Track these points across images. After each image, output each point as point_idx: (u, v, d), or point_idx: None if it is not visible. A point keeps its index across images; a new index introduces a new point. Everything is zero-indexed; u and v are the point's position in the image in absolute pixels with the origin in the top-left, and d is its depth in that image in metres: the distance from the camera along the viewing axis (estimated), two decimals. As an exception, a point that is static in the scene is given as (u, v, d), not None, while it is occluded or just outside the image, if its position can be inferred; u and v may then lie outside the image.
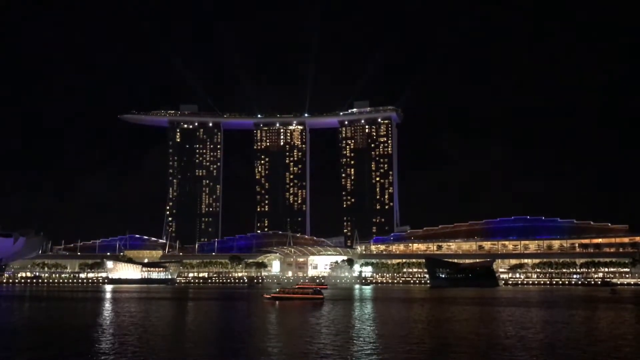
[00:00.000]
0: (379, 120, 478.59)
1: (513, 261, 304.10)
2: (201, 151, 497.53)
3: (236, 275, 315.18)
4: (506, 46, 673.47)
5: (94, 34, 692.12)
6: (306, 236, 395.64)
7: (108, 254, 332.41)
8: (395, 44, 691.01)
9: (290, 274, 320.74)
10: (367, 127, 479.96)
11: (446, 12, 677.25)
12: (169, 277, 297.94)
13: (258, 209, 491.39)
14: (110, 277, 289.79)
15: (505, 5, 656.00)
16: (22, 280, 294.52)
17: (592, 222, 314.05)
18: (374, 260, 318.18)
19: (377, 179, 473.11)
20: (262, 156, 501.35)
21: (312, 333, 58.86)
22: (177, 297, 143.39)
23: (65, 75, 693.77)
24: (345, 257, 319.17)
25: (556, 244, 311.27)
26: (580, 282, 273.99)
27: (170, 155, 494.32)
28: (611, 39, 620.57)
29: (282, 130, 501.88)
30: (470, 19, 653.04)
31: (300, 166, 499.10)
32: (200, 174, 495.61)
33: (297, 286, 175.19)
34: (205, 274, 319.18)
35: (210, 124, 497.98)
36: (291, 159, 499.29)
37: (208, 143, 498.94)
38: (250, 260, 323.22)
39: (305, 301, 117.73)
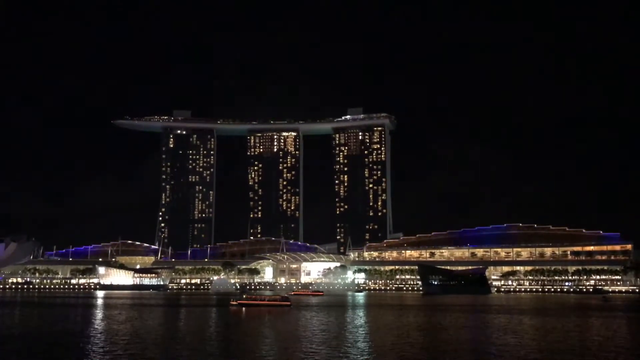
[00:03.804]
0: (373, 127, 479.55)
1: (505, 268, 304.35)
2: (194, 157, 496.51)
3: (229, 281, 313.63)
4: (504, 54, 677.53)
5: (92, 37, 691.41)
6: (299, 242, 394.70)
7: (100, 259, 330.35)
8: (389, 51, 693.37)
9: (283, 280, 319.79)
10: (360, 134, 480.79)
11: (443, 19, 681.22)
12: (161, 283, 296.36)
13: (251, 215, 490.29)
14: (102, 283, 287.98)
15: (504, 11, 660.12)
16: (13, 286, 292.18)
17: (584, 230, 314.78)
18: (367, 267, 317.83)
19: (371, 185, 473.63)
20: (256, 162, 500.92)
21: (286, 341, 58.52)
22: (168, 304, 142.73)
23: (59, 79, 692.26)
24: (338, 264, 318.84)
25: (548, 251, 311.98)
26: (572, 290, 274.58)
27: (164, 161, 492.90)
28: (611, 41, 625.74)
29: (275, 136, 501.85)
30: (468, 25, 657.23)
31: (293, 172, 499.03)
32: (194, 179, 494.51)
33: (292, 292, 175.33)
34: (198, 280, 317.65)
35: (204, 130, 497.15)
36: (285, 165, 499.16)
37: (201, 149, 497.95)
38: (243, 267, 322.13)
39: (272, 308, 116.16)
